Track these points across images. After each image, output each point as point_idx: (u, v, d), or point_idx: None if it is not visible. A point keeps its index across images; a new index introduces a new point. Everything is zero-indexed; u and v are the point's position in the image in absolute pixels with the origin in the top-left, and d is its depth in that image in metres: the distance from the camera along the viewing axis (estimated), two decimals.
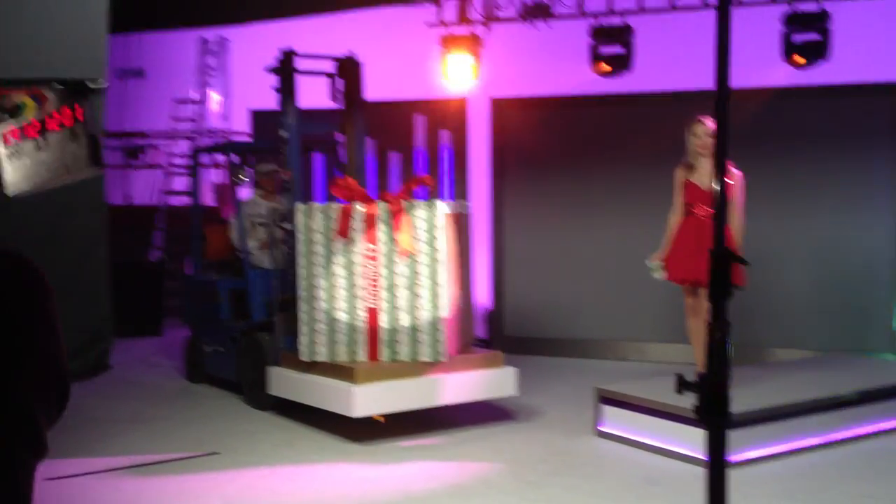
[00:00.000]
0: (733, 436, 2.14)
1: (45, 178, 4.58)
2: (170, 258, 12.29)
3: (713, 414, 1.85)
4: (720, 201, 2.01)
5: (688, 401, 1.93)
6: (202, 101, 14.39)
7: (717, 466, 2.08)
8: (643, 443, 6.06)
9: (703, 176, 6.27)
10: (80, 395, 6.91)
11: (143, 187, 14.47)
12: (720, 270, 1.78)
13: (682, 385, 1.94)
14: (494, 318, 9.92)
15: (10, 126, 4.48)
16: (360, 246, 6.30)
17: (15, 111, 4.48)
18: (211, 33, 14.18)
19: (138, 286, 11.19)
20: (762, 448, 5.76)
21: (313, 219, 6.37)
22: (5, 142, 4.52)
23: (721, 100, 1.84)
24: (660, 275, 6.48)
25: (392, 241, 6.26)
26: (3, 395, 0.80)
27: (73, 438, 6.27)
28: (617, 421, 6.28)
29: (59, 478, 5.35)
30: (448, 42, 10.21)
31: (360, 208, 6.32)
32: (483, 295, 9.72)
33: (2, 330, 0.81)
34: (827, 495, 5.15)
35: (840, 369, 7.11)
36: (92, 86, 4.68)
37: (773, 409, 5.85)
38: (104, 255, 4.93)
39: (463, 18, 10.23)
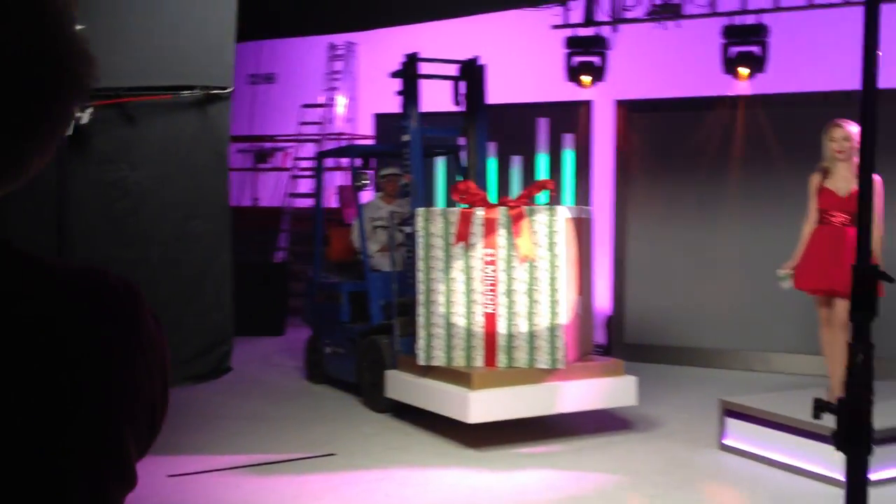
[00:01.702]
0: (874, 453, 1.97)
1: None
2: (294, 259, 12.55)
3: (854, 443, 1.70)
4: (862, 209, 1.84)
5: (824, 420, 1.78)
6: (329, 105, 14.64)
7: (857, 495, 1.93)
8: (770, 458, 5.80)
9: (839, 181, 5.96)
10: (204, 393, 7.10)
11: (270, 190, 14.83)
12: (863, 288, 1.63)
13: (820, 408, 1.78)
14: (615, 324, 9.71)
15: None
16: (480, 251, 6.24)
17: None
18: (340, 39, 14.42)
19: (262, 286, 11.45)
20: None
21: (433, 223, 6.35)
22: None
23: (867, 101, 1.68)
24: (788, 284, 6.21)
25: (512, 246, 6.18)
26: (95, 432, 0.80)
27: (195, 436, 6.43)
28: (742, 435, 6.03)
29: (181, 475, 5.47)
30: (573, 44, 10.08)
31: (479, 213, 6.26)
32: (604, 301, 9.52)
33: (91, 362, 0.80)
34: None
35: None
36: (219, 92, 4.78)
37: None
38: (228, 258, 5.01)
39: (589, 20, 10.08)
